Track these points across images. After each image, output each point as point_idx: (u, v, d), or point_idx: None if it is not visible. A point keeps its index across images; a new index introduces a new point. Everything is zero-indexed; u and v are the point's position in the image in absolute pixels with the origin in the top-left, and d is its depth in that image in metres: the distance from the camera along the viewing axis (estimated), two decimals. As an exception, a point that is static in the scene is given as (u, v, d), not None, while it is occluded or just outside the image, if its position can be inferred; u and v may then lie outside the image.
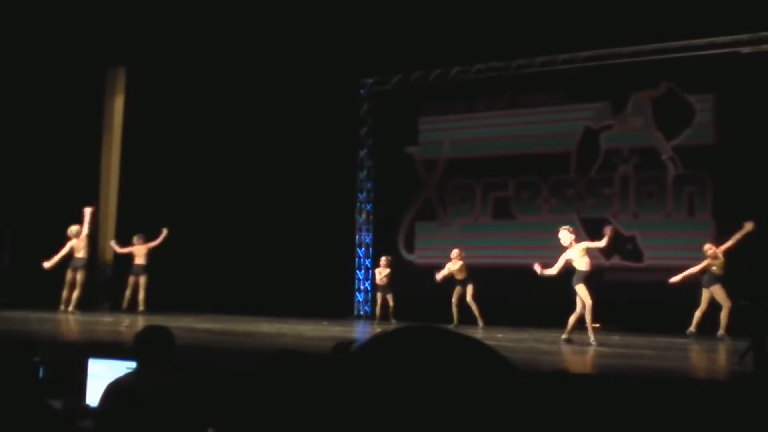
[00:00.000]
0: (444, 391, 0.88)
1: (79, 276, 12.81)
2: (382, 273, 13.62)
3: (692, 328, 10.62)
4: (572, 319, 9.71)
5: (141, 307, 13.18)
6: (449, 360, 0.91)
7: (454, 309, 12.63)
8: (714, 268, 10.57)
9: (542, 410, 0.93)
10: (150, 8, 13.12)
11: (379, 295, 13.64)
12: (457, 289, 12.68)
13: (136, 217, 14.32)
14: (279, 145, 14.86)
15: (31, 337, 7.66)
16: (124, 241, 13.86)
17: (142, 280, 13.38)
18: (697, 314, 10.65)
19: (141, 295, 13.33)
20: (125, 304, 13.28)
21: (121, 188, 15.02)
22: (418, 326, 0.96)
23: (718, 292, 10.51)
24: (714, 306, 10.64)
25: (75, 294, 12.75)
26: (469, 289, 12.58)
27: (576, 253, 9.75)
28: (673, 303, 11.83)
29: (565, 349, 9.20)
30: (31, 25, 13.38)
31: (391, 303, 13.42)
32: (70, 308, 12.60)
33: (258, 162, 14.92)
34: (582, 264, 9.72)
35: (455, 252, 12.75)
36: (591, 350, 8.85)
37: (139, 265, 13.49)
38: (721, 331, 10.36)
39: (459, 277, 12.70)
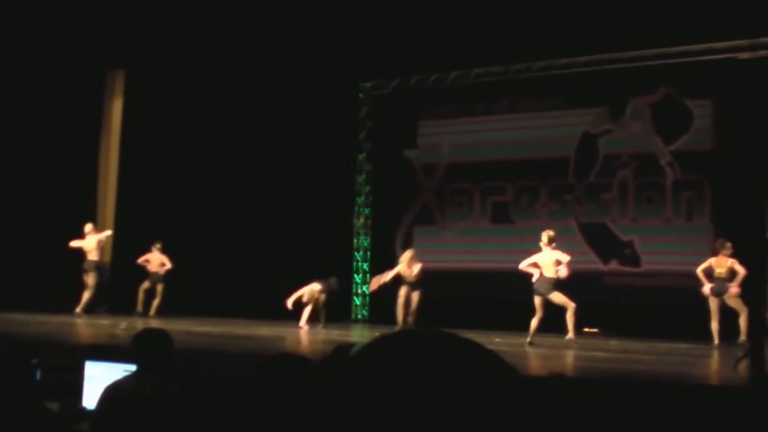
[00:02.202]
0: (444, 394, 0.88)
1: (90, 279, 12.78)
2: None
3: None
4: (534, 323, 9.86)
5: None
6: (450, 363, 0.91)
7: (401, 310, 11.76)
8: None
9: (541, 414, 0.93)
10: (150, 11, 13.14)
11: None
12: (404, 290, 11.81)
13: (134, 220, 14.31)
14: (278, 148, 14.84)
15: (28, 339, 7.66)
16: (126, 248, 13.89)
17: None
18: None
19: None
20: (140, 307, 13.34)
21: (120, 191, 15.01)
22: (419, 329, 0.96)
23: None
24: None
25: (85, 296, 12.75)
26: (416, 295, 11.80)
27: (548, 258, 9.84)
28: (671, 307, 11.85)
29: (564, 353, 9.20)
30: (31, 28, 13.37)
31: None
32: (77, 309, 12.57)
33: (257, 165, 14.91)
34: (550, 271, 9.82)
35: (409, 254, 12.04)
36: (589, 355, 8.86)
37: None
38: (742, 337, 10.19)
39: (410, 280, 11.88)
